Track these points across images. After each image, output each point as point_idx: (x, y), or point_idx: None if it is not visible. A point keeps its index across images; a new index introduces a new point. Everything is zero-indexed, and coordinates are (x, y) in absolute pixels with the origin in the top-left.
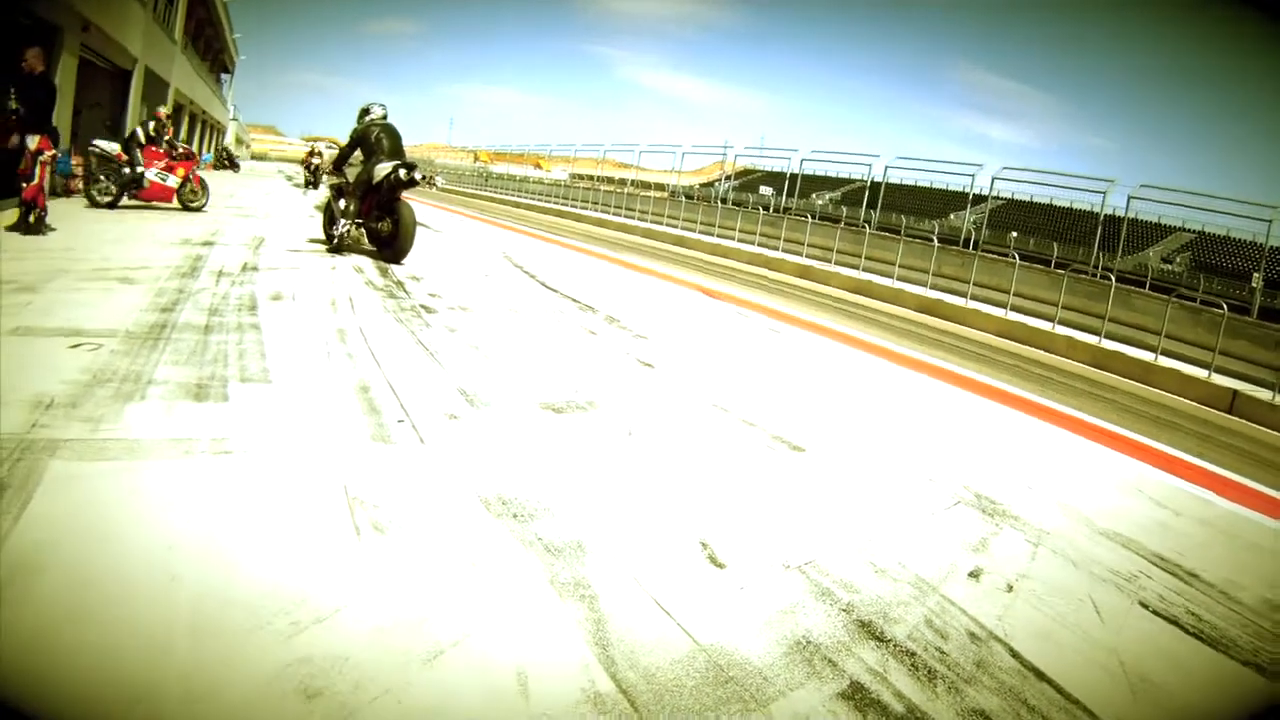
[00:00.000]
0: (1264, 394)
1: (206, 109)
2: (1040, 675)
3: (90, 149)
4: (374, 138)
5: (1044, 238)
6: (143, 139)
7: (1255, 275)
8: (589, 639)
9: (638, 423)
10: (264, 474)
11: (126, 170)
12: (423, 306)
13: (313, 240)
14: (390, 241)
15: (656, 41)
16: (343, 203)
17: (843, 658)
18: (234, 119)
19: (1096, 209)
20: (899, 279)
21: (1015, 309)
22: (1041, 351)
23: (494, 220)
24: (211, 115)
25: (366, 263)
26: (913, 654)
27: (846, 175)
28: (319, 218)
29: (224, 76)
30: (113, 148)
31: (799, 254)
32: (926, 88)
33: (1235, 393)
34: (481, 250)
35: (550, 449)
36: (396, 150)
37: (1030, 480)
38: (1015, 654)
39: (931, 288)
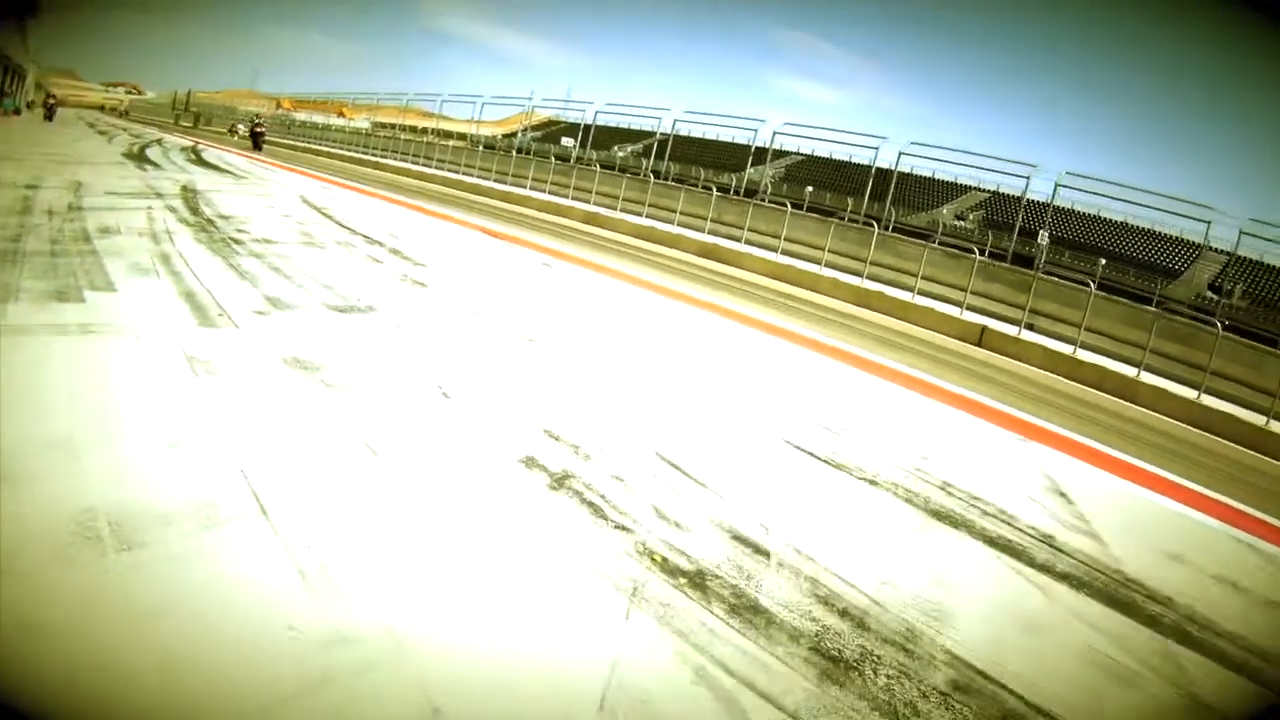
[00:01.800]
0: (1010, 329)
1: (7, 54)
2: (679, 468)
3: None
4: None
5: (840, 192)
6: None
7: (1042, 233)
8: (353, 434)
9: (406, 321)
10: (123, 345)
11: None
12: (231, 239)
13: (126, 184)
14: None
15: None
16: None
17: (532, 449)
18: (33, 63)
19: (892, 167)
20: (682, 225)
21: (787, 253)
22: (808, 291)
23: (295, 167)
24: (14, 60)
25: (179, 203)
26: (589, 455)
27: (651, 129)
28: (129, 165)
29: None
30: None
31: (588, 202)
32: (741, 47)
33: (984, 328)
34: (283, 194)
35: (335, 334)
36: None
37: (734, 369)
38: (673, 464)
39: (711, 234)
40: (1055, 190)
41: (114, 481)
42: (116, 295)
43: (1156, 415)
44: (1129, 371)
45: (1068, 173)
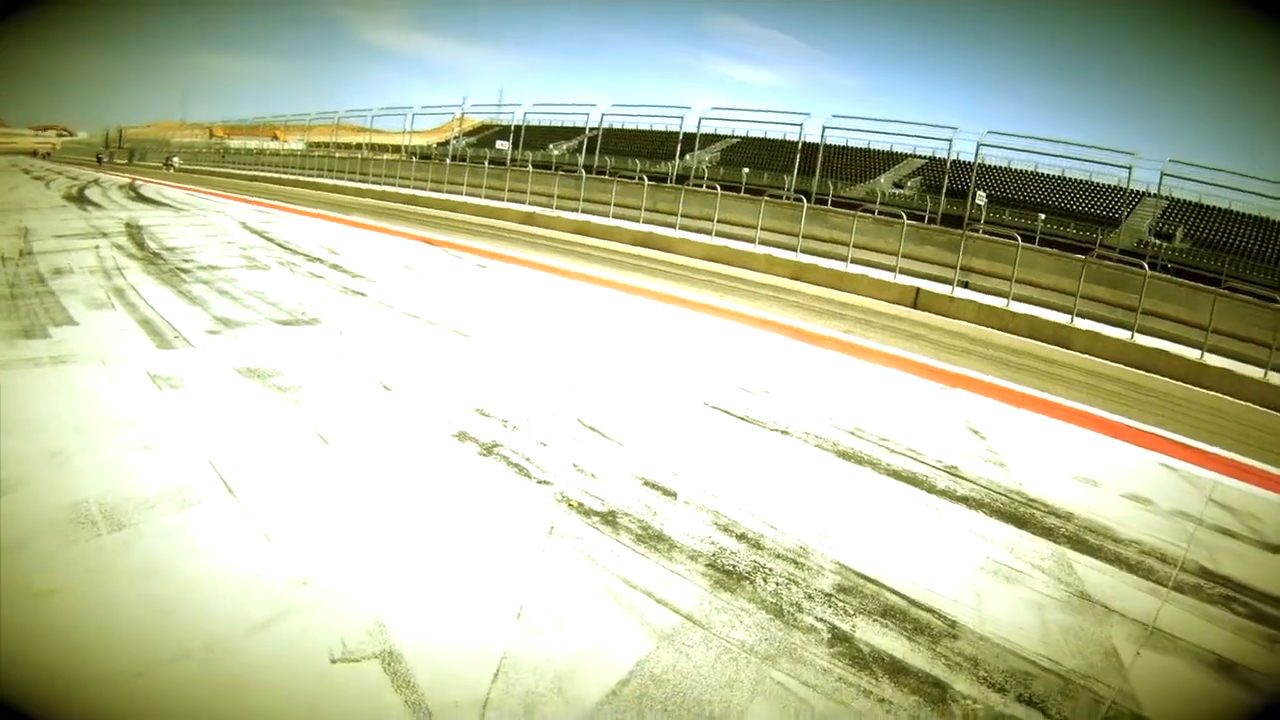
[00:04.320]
0: (944, 289)
1: None
2: (598, 431)
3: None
4: None
5: (776, 171)
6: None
7: (979, 193)
8: (305, 426)
9: (348, 328)
10: (91, 370)
11: None
12: (179, 269)
13: (71, 225)
14: None
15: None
16: None
17: (464, 425)
18: None
19: (837, 144)
20: (618, 217)
21: (722, 235)
22: (743, 269)
23: (234, 195)
24: None
25: (125, 240)
26: (516, 426)
27: (583, 125)
28: (71, 208)
29: None
30: None
31: (524, 202)
32: (671, 35)
33: (918, 290)
34: (224, 222)
35: (283, 345)
36: None
37: (660, 346)
38: (593, 428)
39: (647, 223)
40: (978, 150)
41: (100, 479)
42: (79, 328)
43: (1091, 358)
44: (1062, 319)
45: (990, 132)
